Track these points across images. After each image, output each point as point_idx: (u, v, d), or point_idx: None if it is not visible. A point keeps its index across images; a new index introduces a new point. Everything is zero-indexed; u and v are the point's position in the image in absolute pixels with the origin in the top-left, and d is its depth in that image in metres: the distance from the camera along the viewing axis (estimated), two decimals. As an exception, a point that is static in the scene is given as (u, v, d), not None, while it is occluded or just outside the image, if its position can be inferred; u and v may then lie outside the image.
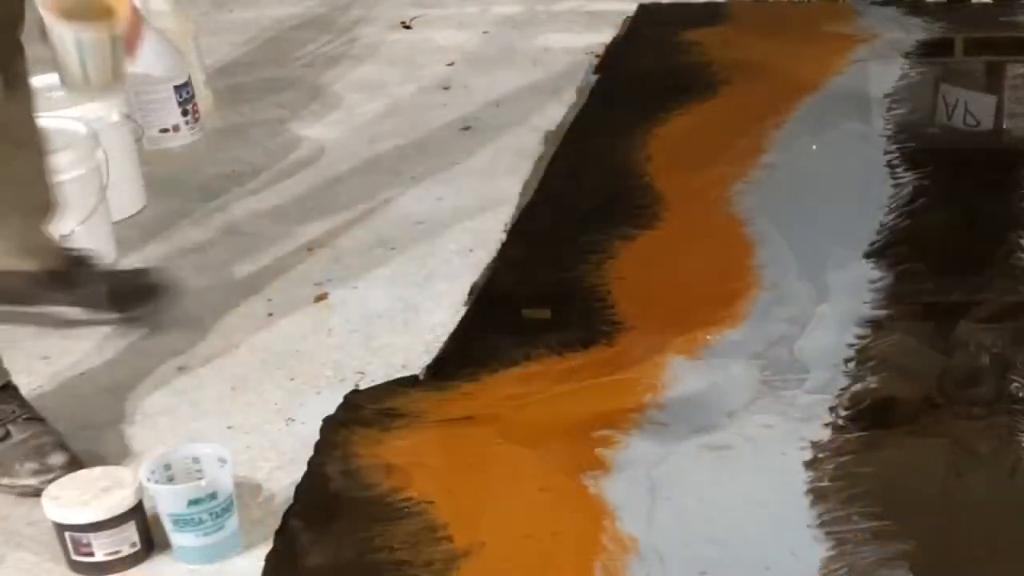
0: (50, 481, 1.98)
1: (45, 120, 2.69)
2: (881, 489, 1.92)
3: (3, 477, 2.06)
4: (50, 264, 2.30)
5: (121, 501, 1.85)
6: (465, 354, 2.32)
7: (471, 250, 2.66)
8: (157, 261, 2.67)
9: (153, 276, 2.39)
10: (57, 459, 2.04)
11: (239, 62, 3.75)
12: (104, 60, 1.92)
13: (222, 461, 1.89)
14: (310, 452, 2.09)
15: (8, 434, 2.08)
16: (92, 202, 2.63)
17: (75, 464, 2.03)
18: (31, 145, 2.24)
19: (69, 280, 2.31)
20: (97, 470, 1.93)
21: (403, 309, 2.47)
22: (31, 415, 2.12)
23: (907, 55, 3.41)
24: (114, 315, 2.34)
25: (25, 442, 2.07)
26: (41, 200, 2.27)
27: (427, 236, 2.73)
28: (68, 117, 2.70)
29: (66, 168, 2.57)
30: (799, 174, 2.88)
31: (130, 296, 2.34)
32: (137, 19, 2.00)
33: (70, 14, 1.92)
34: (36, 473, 2.03)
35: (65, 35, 1.91)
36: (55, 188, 2.29)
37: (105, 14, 1.95)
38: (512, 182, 2.93)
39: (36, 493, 1.98)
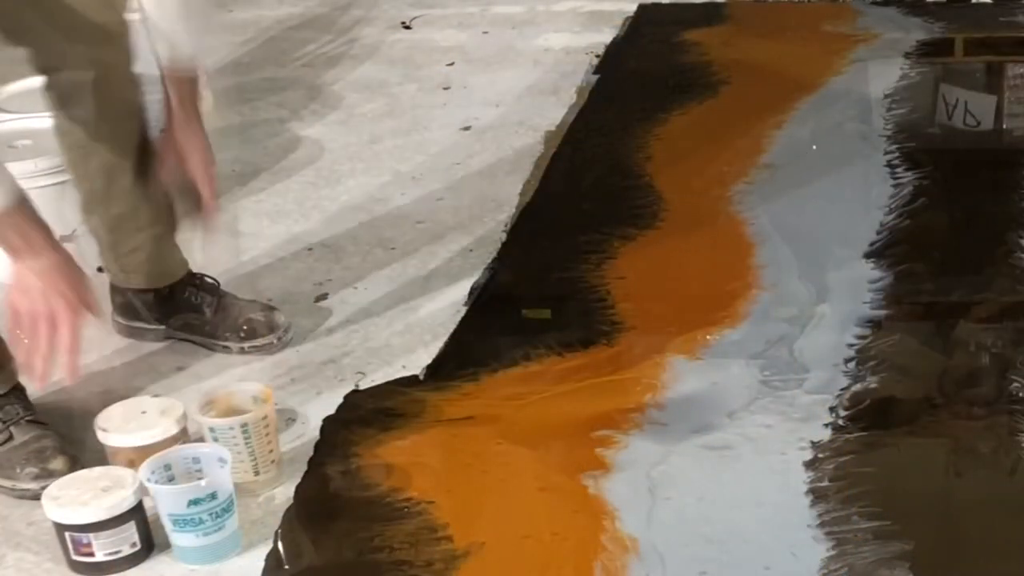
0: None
1: (44, 120, 2.71)
2: (881, 489, 1.92)
3: (4, 479, 2.07)
4: (155, 284, 2.40)
5: (121, 501, 1.85)
6: (465, 354, 2.32)
7: (471, 250, 2.66)
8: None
9: (260, 316, 2.41)
10: (57, 464, 2.05)
11: (239, 62, 3.75)
12: (239, 451, 1.98)
13: (222, 461, 1.89)
14: (310, 452, 2.09)
15: (11, 436, 2.09)
16: (92, 202, 2.63)
17: (75, 470, 2.03)
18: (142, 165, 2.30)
19: (176, 304, 2.41)
20: (97, 470, 1.93)
21: (403, 309, 2.48)
22: (34, 418, 2.12)
23: (907, 55, 3.41)
24: (213, 342, 2.39)
25: (27, 445, 2.08)
26: (151, 221, 2.35)
27: (427, 236, 2.73)
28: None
29: (66, 168, 2.58)
30: (799, 174, 2.88)
31: (230, 329, 2.39)
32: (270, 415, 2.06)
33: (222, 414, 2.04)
34: (36, 478, 2.04)
35: (203, 424, 2.01)
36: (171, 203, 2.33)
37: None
38: (512, 182, 2.93)
39: (35, 497, 1.98)
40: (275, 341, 2.37)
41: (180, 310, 2.41)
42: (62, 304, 1.95)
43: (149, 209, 2.34)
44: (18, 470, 2.05)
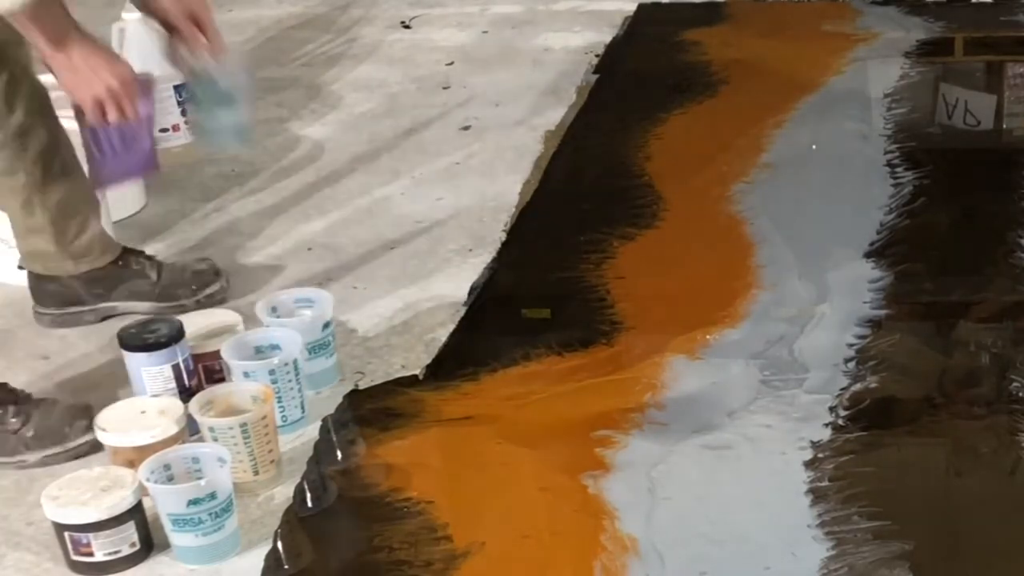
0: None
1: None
2: (881, 489, 1.92)
3: (54, 447, 2.08)
4: (102, 262, 2.44)
5: (120, 501, 1.85)
6: (465, 354, 2.32)
7: (471, 250, 2.66)
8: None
9: (202, 265, 2.52)
10: (95, 411, 2.09)
11: (239, 62, 3.74)
12: (238, 451, 1.98)
13: (221, 461, 1.89)
14: (310, 452, 2.09)
15: (29, 415, 2.11)
16: (92, 202, 2.63)
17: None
18: (66, 149, 2.37)
19: (121, 276, 2.45)
20: (97, 470, 1.93)
21: (403, 309, 2.48)
22: (30, 394, 2.16)
23: (907, 55, 3.41)
24: (166, 304, 2.44)
25: (51, 409, 2.11)
26: (86, 199, 2.39)
27: (427, 236, 2.73)
28: (68, 117, 2.70)
29: None
30: (799, 174, 2.88)
31: (180, 285, 2.47)
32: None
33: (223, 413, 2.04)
34: (88, 429, 2.07)
35: (203, 425, 2.00)
36: (90, 185, 2.39)
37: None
38: (512, 182, 2.93)
39: (94, 449, 2.05)
40: (225, 284, 2.49)
41: (125, 280, 2.45)
42: (117, 72, 2.11)
43: (81, 189, 2.39)
44: (67, 430, 2.08)
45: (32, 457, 2.09)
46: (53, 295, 2.44)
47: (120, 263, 2.46)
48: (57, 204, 2.36)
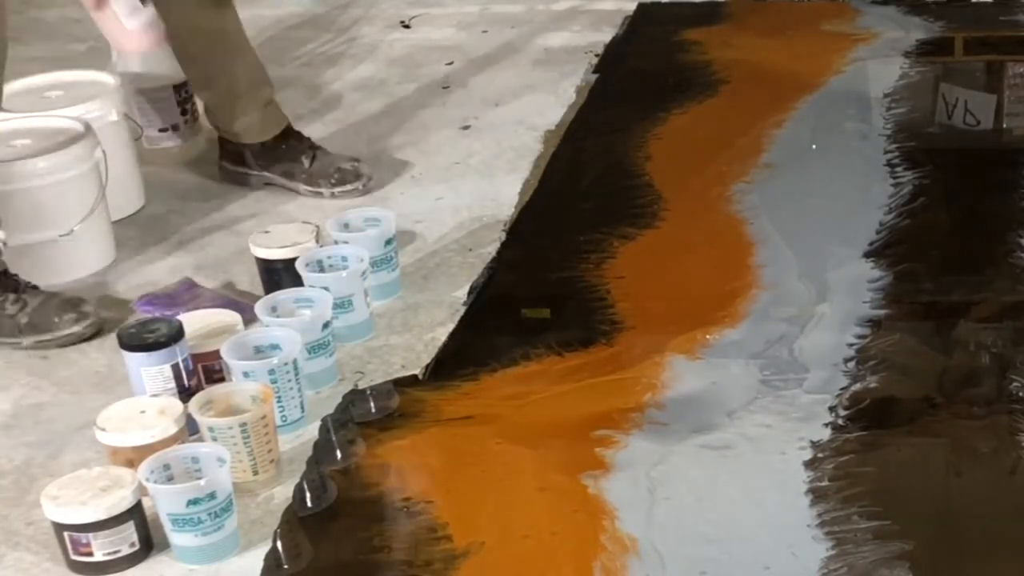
0: (91, 325, 2.28)
1: (44, 119, 2.71)
2: (881, 489, 1.92)
3: (44, 334, 2.27)
4: (276, 132, 2.88)
5: (120, 501, 1.85)
6: (465, 354, 2.32)
7: (471, 250, 2.66)
8: (156, 261, 2.68)
9: (348, 164, 2.87)
10: (87, 307, 2.31)
11: (239, 61, 3.74)
12: (238, 451, 1.98)
13: (221, 461, 1.89)
14: (309, 452, 2.09)
15: (25, 303, 2.29)
16: (91, 201, 2.63)
17: (98, 315, 2.34)
18: (244, 47, 2.85)
19: (279, 155, 2.87)
20: (97, 470, 1.93)
21: (403, 309, 2.47)
22: (36, 286, 2.34)
23: (907, 54, 3.41)
24: (309, 189, 2.85)
25: (49, 300, 2.28)
26: (262, 83, 2.89)
27: (427, 236, 2.73)
28: (67, 117, 2.70)
29: (65, 167, 2.58)
30: (799, 174, 2.88)
31: (324, 176, 2.85)
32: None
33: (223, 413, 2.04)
34: (77, 320, 2.28)
35: (202, 424, 2.00)
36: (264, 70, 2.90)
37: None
38: (512, 182, 2.93)
39: (80, 339, 2.30)
40: (360, 187, 2.85)
41: (281, 159, 2.86)
42: None
43: (253, 78, 2.85)
44: (56, 320, 2.25)
45: (26, 341, 2.31)
46: (230, 153, 2.91)
47: (277, 143, 2.87)
48: (224, 92, 2.83)
